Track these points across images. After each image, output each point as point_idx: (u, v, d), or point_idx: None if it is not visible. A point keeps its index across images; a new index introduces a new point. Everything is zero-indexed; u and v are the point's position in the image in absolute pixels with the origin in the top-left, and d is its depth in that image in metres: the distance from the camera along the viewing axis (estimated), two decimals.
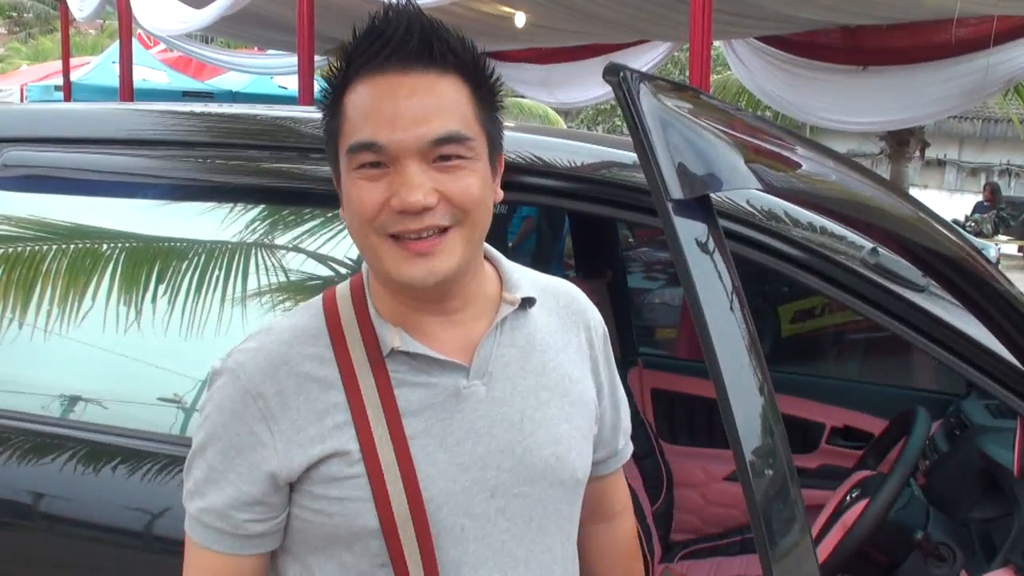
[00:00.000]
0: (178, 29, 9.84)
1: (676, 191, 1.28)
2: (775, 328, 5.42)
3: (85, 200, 2.42)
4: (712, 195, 1.97)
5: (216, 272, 2.28)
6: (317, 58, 7.16)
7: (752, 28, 8.26)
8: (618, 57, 10.22)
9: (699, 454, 3.72)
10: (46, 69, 18.76)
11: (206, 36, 14.84)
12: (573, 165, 2.17)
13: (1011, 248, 19.28)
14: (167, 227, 2.36)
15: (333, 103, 1.34)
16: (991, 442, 2.66)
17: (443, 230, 1.29)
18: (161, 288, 2.27)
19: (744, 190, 1.97)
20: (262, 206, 2.31)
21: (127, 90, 9.10)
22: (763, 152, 1.58)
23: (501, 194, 1.41)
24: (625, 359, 3.84)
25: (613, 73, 1.31)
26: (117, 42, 10.24)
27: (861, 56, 7.89)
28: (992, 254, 14.69)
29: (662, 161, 1.28)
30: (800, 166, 1.66)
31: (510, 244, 7.14)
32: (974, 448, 2.71)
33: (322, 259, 2.21)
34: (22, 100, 16.24)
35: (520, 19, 9.24)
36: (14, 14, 33.66)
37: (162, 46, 15.23)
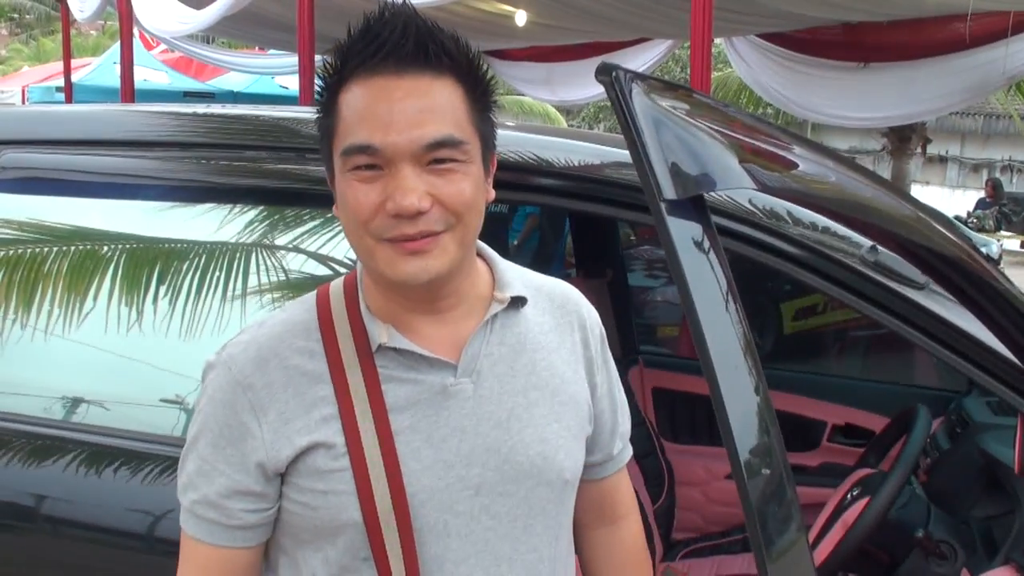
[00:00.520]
0: (179, 30, 9.83)
1: (669, 191, 1.28)
2: (777, 326, 5.41)
3: (84, 202, 2.42)
4: (713, 194, 1.99)
5: (216, 273, 2.28)
6: (318, 58, 7.16)
7: (753, 25, 8.25)
8: (619, 55, 10.21)
9: (700, 452, 3.72)
10: (48, 70, 18.75)
11: (207, 36, 14.83)
12: (574, 164, 2.17)
13: (1013, 244, 19.26)
14: (166, 229, 2.37)
15: (327, 101, 1.34)
16: (992, 439, 2.66)
17: (436, 233, 1.30)
18: (162, 289, 2.27)
19: (737, 190, 1.97)
20: (262, 207, 2.31)
21: (128, 91, 9.10)
22: (758, 151, 1.58)
23: (493, 194, 1.42)
24: (626, 358, 3.85)
25: (605, 73, 1.31)
26: (118, 43, 10.25)
27: (862, 52, 7.87)
28: (994, 250, 14.67)
29: (655, 161, 1.27)
30: (796, 165, 1.65)
31: (513, 243, 7.14)
32: (975, 446, 2.70)
33: (322, 259, 2.21)
34: (24, 101, 16.23)
35: (521, 17, 9.24)
36: (15, 15, 33.67)
37: (163, 46, 15.23)
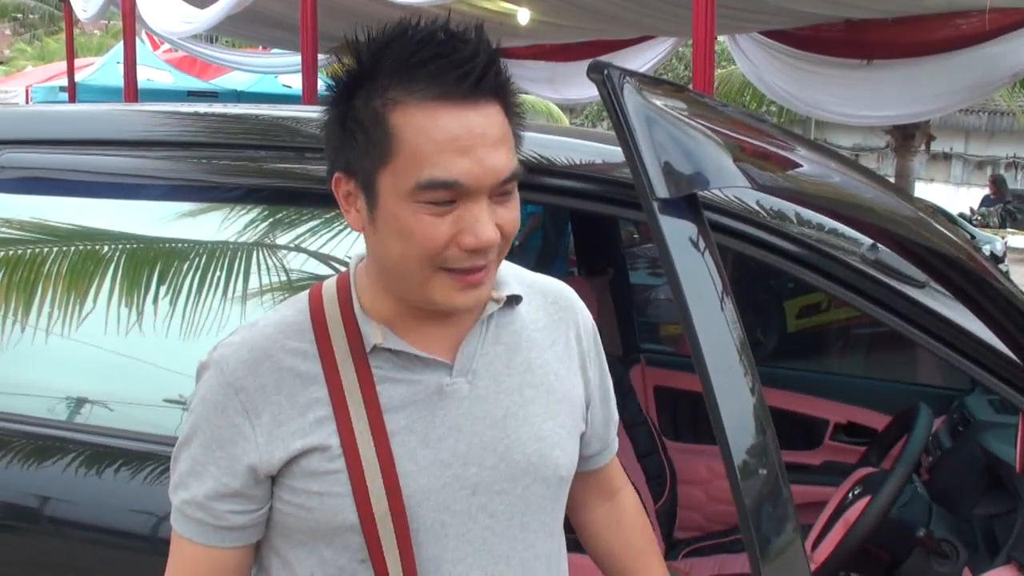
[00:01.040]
0: (183, 29, 9.84)
1: (662, 190, 1.27)
2: (781, 323, 5.41)
3: (84, 202, 2.42)
4: (714, 192, 1.99)
5: (217, 273, 2.28)
6: (321, 56, 7.16)
7: (756, 23, 8.25)
8: (623, 53, 10.21)
9: (703, 451, 3.72)
10: (51, 70, 18.76)
11: (210, 35, 14.85)
12: (577, 163, 2.16)
13: (1019, 241, 19.21)
14: (167, 228, 2.36)
15: (371, 118, 1.25)
16: (994, 438, 2.65)
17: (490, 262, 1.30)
18: (162, 289, 2.27)
19: (736, 188, 1.96)
20: (262, 207, 2.31)
21: (131, 90, 9.11)
22: (753, 150, 1.57)
23: None
24: (627, 356, 3.84)
25: (597, 71, 1.30)
26: (121, 42, 10.25)
27: (866, 50, 7.86)
28: (998, 247, 14.64)
29: (647, 160, 1.27)
30: (792, 164, 1.65)
31: (516, 242, 7.13)
32: (977, 444, 2.70)
33: (324, 259, 2.20)
34: (27, 101, 16.24)
35: (524, 16, 9.24)
36: (19, 15, 33.68)
37: (166, 46, 15.25)
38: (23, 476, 2.22)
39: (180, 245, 2.35)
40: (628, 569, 1.67)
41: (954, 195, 24.07)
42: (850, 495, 2.56)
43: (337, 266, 2.17)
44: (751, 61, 8.84)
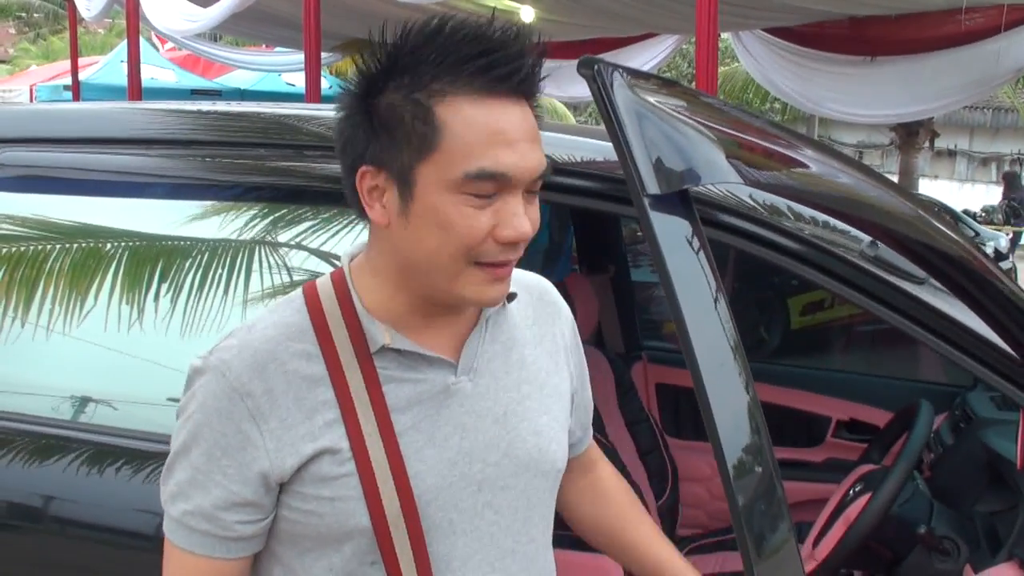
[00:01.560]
0: (187, 28, 9.85)
1: (652, 186, 1.27)
2: (785, 320, 5.41)
3: (85, 200, 2.43)
4: (712, 189, 1.99)
5: (219, 271, 2.28)
6: (324, 55, 7.17)
7: (760, 19, 8.24)
8: (627, 50, 10.22)
9: (705, 448, 3.69)
10: (55, 69, 18.80)
11: (214, 34, 14.88)
12: (579, 161, 2.16)
13: None
14: (168, 227, 2.36)
15: (419, 112, 1.26)
16: (995, 435, 2.65)
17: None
18: (163, 288, 2.27)
19: (730, 184, 1.96)
20: (265, 204, 2.31)
21: (135, 89, 9.12)
22: (746, 145, 1.57)
23: None
24: (629, 354, 3.84)
25: (587, 66, 1.30)
26: (125, 41, 10.27)
27: (869, 47, 7.86)
28: (1003, 244, 14.62)
29: (637, 155, 1.27)
30: (787, 159, 1.64)
31: None
32: (979, 441, 2.69)
33: (327, 257, 2.21)
34: (32, 100, 16.28)
35: (528, 13, 9.24)
36: (23, 14, 33.72)
37: (170, 44, 15.27)
38: (25, 475, 2.21)
39: (181, 243, 2.35)
40: (618, 529, 1.71)
41: (958, 192, 24.04)
42: (851, 492, 2.56)
43: (338, 263, 2.17)
44: (754, 58, 8.84)
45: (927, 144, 16.21)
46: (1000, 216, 18.50)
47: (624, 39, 10.05)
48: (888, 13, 7.46)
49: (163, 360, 2.28)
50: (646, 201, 1.26)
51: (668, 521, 3.45)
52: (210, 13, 8.88)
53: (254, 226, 2.30)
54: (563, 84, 11.32)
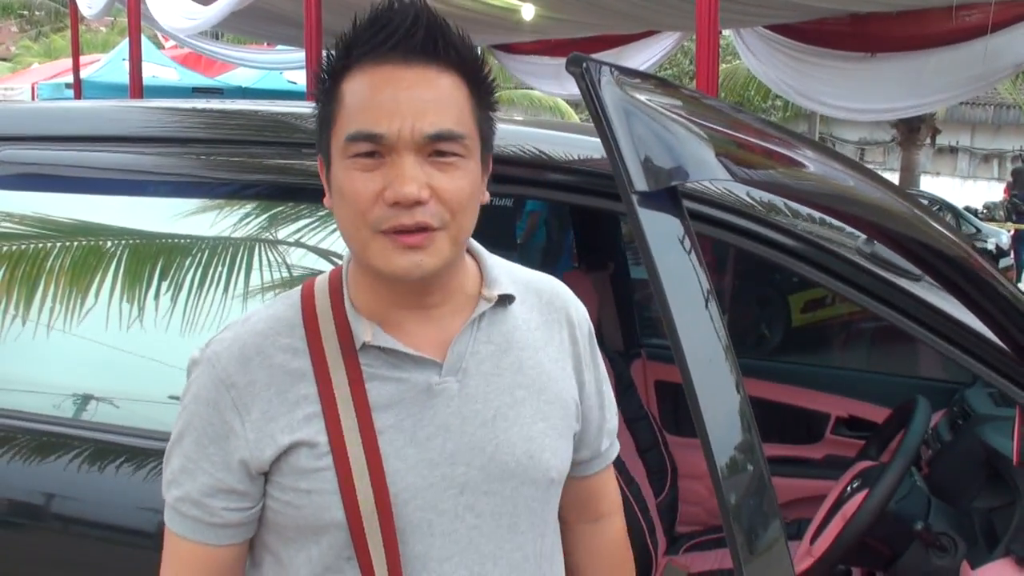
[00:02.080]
0: (188, 26, 9.85)
1: (641, 183, 1.27)
2: (786, 318, 5.40)
3: (83, 198, 2.43)
4: (708, 185, 1.99)
5: (219, 268, 2.28)
6: (325, 52, 7.18)
7: (760, 17, 8.24)
8: (628, 48, 10.22)
9: None
10: (57, 67, 18.82)
11: (216, 32, 14.89)
12: (578, 158, 2.16)
13: None
14: (165, 225, 2.37)
15: (329, 90, 1.34)
16: (993, 431, 2.65)
17: (431, 229, 1.29)
18: (163, 286, 2.27)
19: (722, 181, 1.95)
20: (263, 202, 2.31)
21: (137, 87, 9.12)
22: (735, 142, 1.57)
23: (487, 196, 1.41)
24: (628, 351, 3.84)
25: (575, 64, 1.30)
26: (127, 39, 10.27)
27: (870, 44, 7.86)
28: (1004, 240, 14.61)
29: (625, 152, 1.27)
30: (777, 156, 1.64)
31: (518, 240, 7.13)
32: (976, 437, 2.70)
33: (327, 254, 2.21)
34: (33, 98, 16.29)
35: (528, 11, 9.25)
36: (25, 12, 33.73)
37: (172, 43, 15.27)
38: (26, 473, 2.22)
39: (181, 241, 2.35)
40: None
41: (960, 188, 24.01)
42: (849, 488, 2.56)
43: (337, 260, 2.18)
44: (755, 55, 8.84)
45: (929, 141, 16.21)
46: (1002, 213, 18.46)
47: (625, 36, 10.05)
48: (889, 10, 7.46)
49: (162, 357, 2.29)
50: (634, 198, 1.27)
51: (667, 518, 3.46)
52: (211, 11, 8.88)
53: (253, 224, 2.30)
54: (565, 82, 11.33)
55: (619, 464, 1.83)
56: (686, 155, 1.38)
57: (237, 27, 12.72)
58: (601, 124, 1.27)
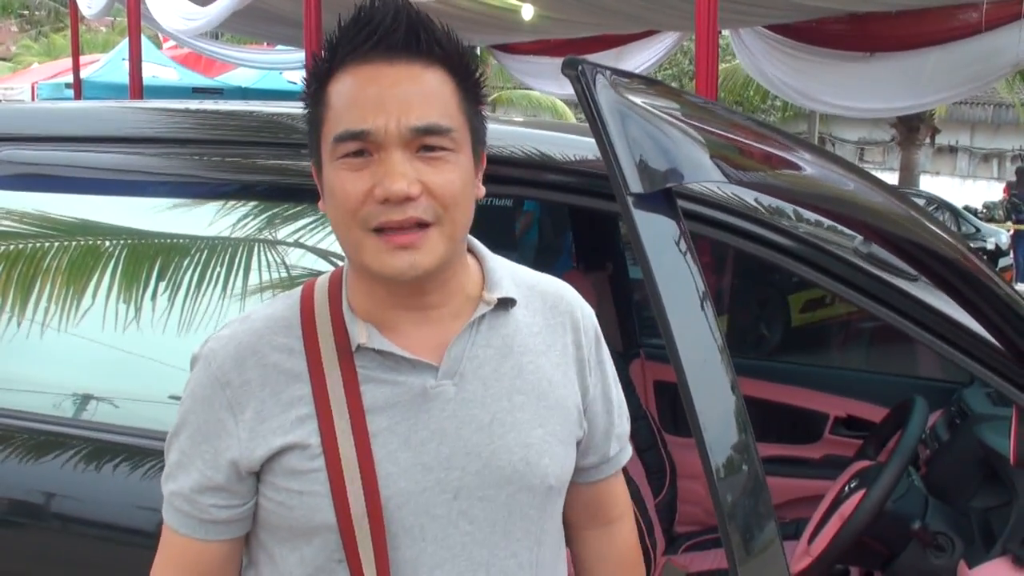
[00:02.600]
0: (188, 27, 9.86)
1: (636, 184, 1.27)
2: (785, 318, 5.41)
3: (82, 198, 2.44)
4: (706, 187, 1.99)
5: (217, 268, 2.29)
6: None
7: (759, 16, 8.25)
8: (627, 48, 10.22)
9: None
10: (57, 67, 18.81)
11: (215, 32, 14.90)
12: (576, 159, 2.16)
13: None
14: (163, 225, 2.37)
15: (316, 92, 1.34)
16: (990, 430, 2.65)
17: (424, 226, 1.28)
18: (160, 286, 2.28)
19: (713, 183, 1.95)
20: (261, 202, 2.31)
21: (136, 87, 9.13)
22: (730, 144, 1.57)
23: (483, 191, 1.40)
24: (627, 351, 3.85)
25: (571, 66, 1.31)
26: (127, 39, 10.28)
27: (869, 43, 7.87)
28: (1003, 240, 14.63)
29: (621, 154, 1.27)
30: (772, 158, 1.65)
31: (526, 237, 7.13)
32: (974, 437, 2.70)
33: (326, 255, 2.21)
34: (33, 98, 16.30)
35: (528, 11, 9.25)
36: (25, 11, 33.74)
37: (171, 43, 15.28)
38: (23, 472, 2.22)
39: (179, 241, 2.36)
40: None
41: (960, 188, 24.02)
42: (846, 488, 2.56)
43: (338, 261, 2.18)
44: (753, 55, 8.84)
45: (928, 140, 16.21)
46: (1001, 212, 18.48)
47: (625, 36, 10.06)
48: (888, 9, 7.46)
49: (160, 357, 2.29)
50: (629, 200, 1.27)
51: (666, 518, 3.46)
52: (210, 12, 8.89)
53: (251, 224, 2.31)
54: (564, 82, 11.33)
55: None
56: (681, 157, 1.38)
57: (237, 27, 12.74)
58: (596, 126, 1.27)
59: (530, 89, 17.58)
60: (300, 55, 8.98)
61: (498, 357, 1.41)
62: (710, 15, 4.91)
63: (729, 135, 1.61)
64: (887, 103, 7.98)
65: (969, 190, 23.49)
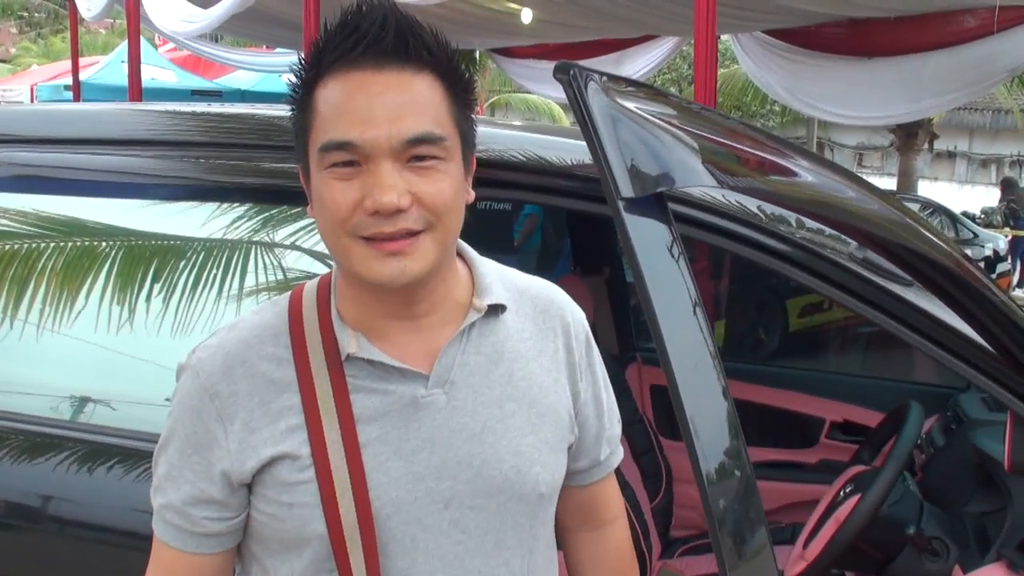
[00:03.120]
0: (187, 29, 9.87)
1: (627, 189, 1.27)
2: (783, 322, 5.41)
3: (81, 200, 2.44)
4: (703, 191, 1.99)
5: (214, 271, 2.29)
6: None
7: (759, 22, 8.26)
8: (626, 52, 10.24)
9: None
10: (56, 69, 18.82)
11: (215, 35, 14.90)
12: (572, 163, 2.17)
13: None
14: (162, 227, 2.37)
15: (303, 98, 1.31)
16: (985, 436, 2.65)
17: (415, 233, 1.26)
18: (156, 288, 2.28)
19: (710, 188, 1.95)
20: (258, 205, 2.31)
21: (135, 89, 9.13)
22: (722, 149, 1.57)
23: (473, 195, 1.38)
24: (624, 355, 3.85)
25: (563, 71, 1.31)
26: (126, 41, 10.29)
27: (867, 48, 7.87)
28: (1001, 245, 14.64)
29: (612, 159, 1.27)
30: (764, 163, 1.65)
31: (515, 242, 7.13)
32: (969, 442, 2.70)
33: (321, 257, 2.21)
34: (32, 100, 16.30)
35: (527, 15, 9.26)
36: (25, 14, 33.75)
37: (170, 45, 15.28)
38: (18, 474, 2.22)
39: (176, 243, 2.36)
40: None
41: (958, 194, 24.03)
42: (842, 493, 2.57)
43: (332, 263, 2.18)
44: (752, 60, 8.85)
45: (926, 146, 16.22)
46: (999, 218, 18.48)
47: (624, 41, 10.07)
48: (888, 15, 7.47)
49: (156, 359, 2.29)
50: (621, 204, 1.27)
51: (662, 522, 3.46)
52: (210, 14, 8.89)
53: (248, 227, 2.31)
54: (559, 86, 11.36)
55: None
56: (673, 161, 1.38)
57: (236, 30, 12.74)
58: (588, 130, 1.27)
59: (528, 93, 17.59)
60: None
61: (488, 364, 1.39)
62: (709, 20, 4.92)
63: (721, 140, 1.61)
64: (886, 110, 7.98)
65: (967, 195, 23.50)
